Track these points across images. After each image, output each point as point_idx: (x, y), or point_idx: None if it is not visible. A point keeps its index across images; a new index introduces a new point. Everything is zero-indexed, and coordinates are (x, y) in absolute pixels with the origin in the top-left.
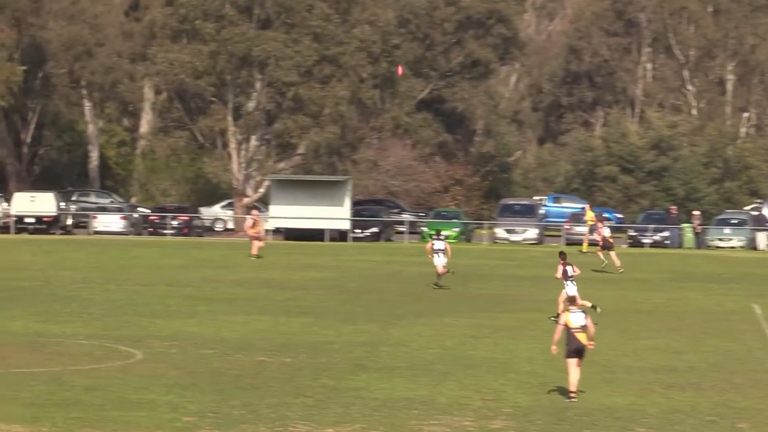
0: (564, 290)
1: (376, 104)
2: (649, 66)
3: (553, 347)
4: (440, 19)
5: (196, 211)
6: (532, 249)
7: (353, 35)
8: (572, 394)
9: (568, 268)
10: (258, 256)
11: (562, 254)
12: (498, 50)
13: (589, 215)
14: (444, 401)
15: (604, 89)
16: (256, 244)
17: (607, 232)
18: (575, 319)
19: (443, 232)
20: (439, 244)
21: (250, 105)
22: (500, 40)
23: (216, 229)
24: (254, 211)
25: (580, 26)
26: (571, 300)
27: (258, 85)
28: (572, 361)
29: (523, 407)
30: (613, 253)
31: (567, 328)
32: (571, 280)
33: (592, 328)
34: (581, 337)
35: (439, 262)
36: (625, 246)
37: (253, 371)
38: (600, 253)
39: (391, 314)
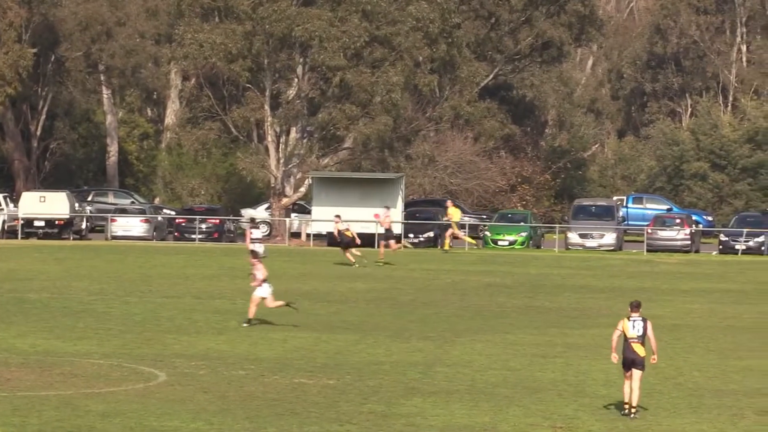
0: None
1: (433, 92)
2: (743, 48)
3: (613, 356)
4: None
5: (227, 213)
6: (609, 256)
7: (408, 13)
8: (628, 408)
9: None
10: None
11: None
12: (573, 30)
13: (453, 212)
14: (508, 429)
15: (692, 74)
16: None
17: None
18: (633, 327)
19: (509, 237)
20: None
21: (291, 92)
22: (575, 18)
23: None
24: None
25: (666, 3)
26: (633, 306)
27: (299, 69)
28: (627, 374)
29: None
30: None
31: (624, 337)
32: None
33: (653, 340)
34: (638, 348)
35: None
36: (715, 253)
37: (291, 395)
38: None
39: (448, 331)
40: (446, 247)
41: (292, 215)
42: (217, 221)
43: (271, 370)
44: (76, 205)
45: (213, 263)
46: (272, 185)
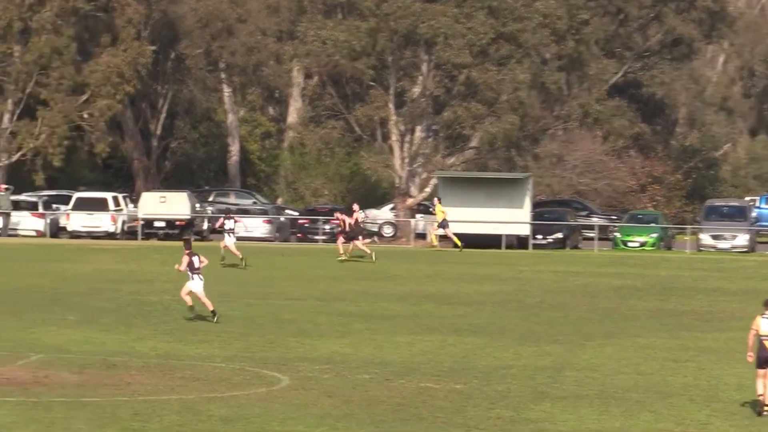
0: None
1: (561, 89)
2: None
3: (749, 355)
4: None
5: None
6: (742, 258)
7: (535, 9)
8: (760, 407)
9: None
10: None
11: None
12: (703, 26)
13: (439, 210)
14: None
15: None
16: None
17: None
18: (766, 324)
19: (639, 238)
20: None
21: (415, 90)
22: (705, 14)
23: (385, 234)
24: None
25: None
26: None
27: (424, 67)
28: (760, 372)
29: None
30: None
31: (757, 335)
32: None
33: None
34: None
35: None
36: None
37: (417, 400)
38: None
39: (577, 334)
40: (434, 242)
41: (417, 216)
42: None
43: (397, 373)
44: (197, 205)
45: (336, 264)
46: (397, 185)
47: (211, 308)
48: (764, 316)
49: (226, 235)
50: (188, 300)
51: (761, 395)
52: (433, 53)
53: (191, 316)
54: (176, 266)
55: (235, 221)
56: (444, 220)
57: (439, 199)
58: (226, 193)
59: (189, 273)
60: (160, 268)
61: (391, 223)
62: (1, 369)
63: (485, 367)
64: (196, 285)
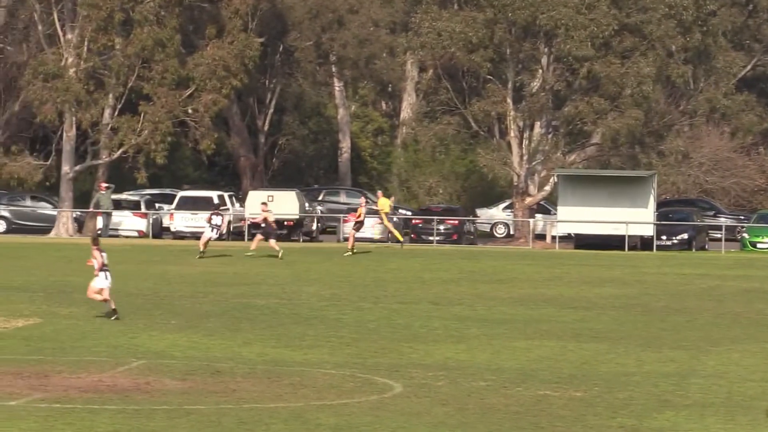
0: None
1: (687, 83)
2: None
3: None
4: None
5: (468, 214)
6: None
7: (660, 0)
8: None
9: None
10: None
11: None
12: None
13: (383, 203)
14: None
15: None
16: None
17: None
18: None
19: None
20: None
21: (535, 84)
22: None
23: (497, 234)
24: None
25: None
26: None
27: (544, 60)
28: None
29: None
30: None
31: None
32: None
33: None
34: None
35: None
36: None
37: (535, 408)
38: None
39: (704, 339)
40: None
41: (537, 215)
42: (456, 222)
43: (514, 381)
44: (306, 204)
45: (452, 266)
46: (515, 183)
47: (113, 306)
48: None
49: (209, 228)
50: (98, 297)
51: None
52: (554, 45)
53: (112, 316)
54: (89, 262)
55: (222, 218)
56: (387, 213)
57: (383, 191)
58: (337, 192)
59: (97, 270)
60: (268, 270)
61: (505, 222)
62: (102, 375)
63: (606, 374)
64: (102, 282)
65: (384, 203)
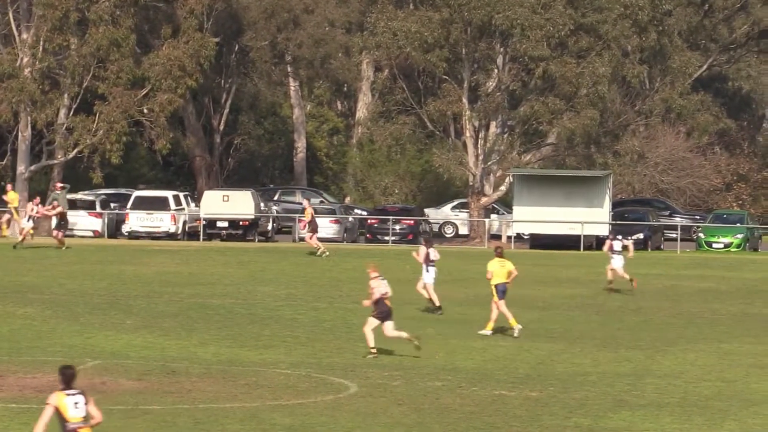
0: None
1: (642, 83)
2: None
3: None
4: None
5: (422, 214)
6: None
7: (616, 0)
8: None
9: None
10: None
11: None
12: None
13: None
14: None
15: None
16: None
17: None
18: None
19: (724, 239)
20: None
21: (490, 84)
22: None
23: (445, 234)
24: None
25: None
26: None
27: (500, 60)
28: None
29: None
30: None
31: None
32: None
33: None
34: None
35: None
36: None
37: (490, 407)
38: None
39: (659, 339)
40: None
41: (492, 216)
42: (412, 222)
43: (470, 381)
44: (262, 204)
45: (410, 266)
46: (470, 183)
47: None
48: None
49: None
50: None
51: None
52: (509, 45)
53: None
54: None
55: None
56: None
57: (12, 186)
58: (292, 192)
59: None
60: (223, 270)
61: (453, 222)
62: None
63: (562, 374)
64: None
65: (13, 197)
